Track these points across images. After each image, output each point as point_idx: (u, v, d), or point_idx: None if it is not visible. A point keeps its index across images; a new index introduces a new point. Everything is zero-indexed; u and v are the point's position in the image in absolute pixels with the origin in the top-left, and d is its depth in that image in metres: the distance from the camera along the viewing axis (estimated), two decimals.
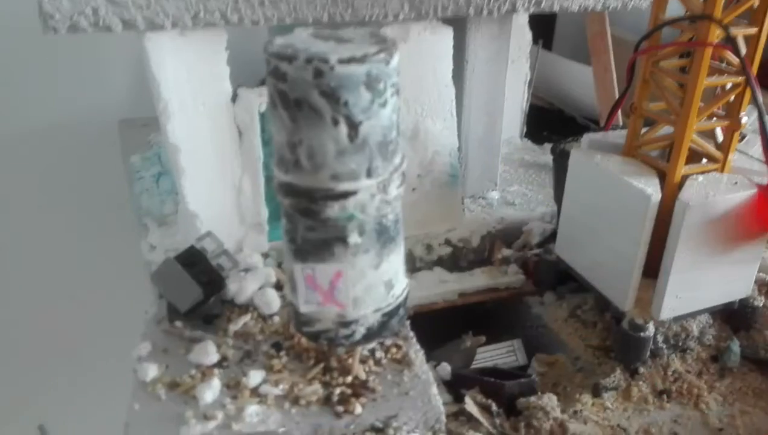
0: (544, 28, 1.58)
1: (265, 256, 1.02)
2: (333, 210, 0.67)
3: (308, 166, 0.65)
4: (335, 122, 0.63)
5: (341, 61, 0.60)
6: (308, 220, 0.68)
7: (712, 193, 0.89)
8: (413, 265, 1.14)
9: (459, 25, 1.09)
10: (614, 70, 1.43)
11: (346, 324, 0.74)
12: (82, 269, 1.66)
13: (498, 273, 1.15)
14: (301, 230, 0.69)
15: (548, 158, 1.44)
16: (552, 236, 1.17)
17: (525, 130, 1.55)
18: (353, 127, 0.63)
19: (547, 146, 1.51)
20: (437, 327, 1.01)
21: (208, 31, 0.89)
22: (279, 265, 1.01)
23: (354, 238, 0.69)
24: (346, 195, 0.66)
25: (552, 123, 1.66)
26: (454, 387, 0.92)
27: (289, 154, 0.66)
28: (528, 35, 1.43)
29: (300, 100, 0.62)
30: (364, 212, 0.68)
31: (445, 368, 0.95)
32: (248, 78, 1.03)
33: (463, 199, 1.23)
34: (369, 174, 0.66)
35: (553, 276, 1.11)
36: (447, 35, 1.05)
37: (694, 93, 0.86)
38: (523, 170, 1.41)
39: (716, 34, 0.84)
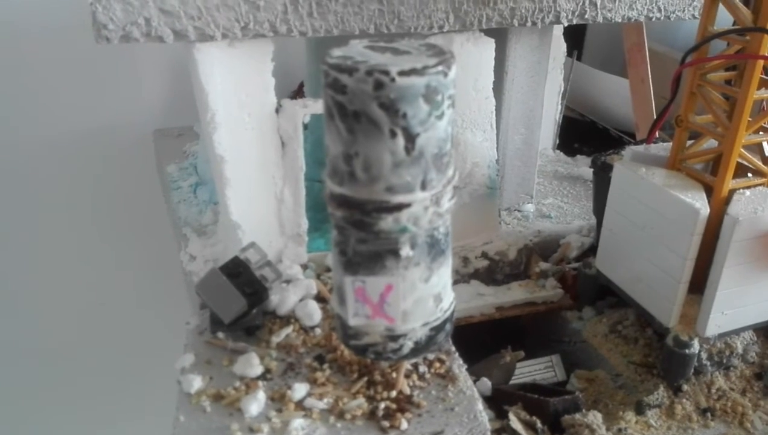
0: (574, 39, 1.57)
1: (305, 267, 1.01)
2: (386, 222, 0.66)
3: (363, 178, 0.64)
4: (393, 134, 0.62)
5: (402, 73, 0.59)
6: (360, 233, 0.67)
7: (761, 208, 0.87)
8: None
9: (500, 36, 1.08)
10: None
11: (394, 338, 0.73)
12: (120, 279, 1.66)
13: (535, 287, 1.13)
14: (352, 242, 0.68)
15: (582, 171, 1.43)
16: (590, 250, 1.16)
17: (557, 142, 1.54)
18: (410, 139, 0.62)
19: (581, 158, 1.50)
20: (474, 341, 1.00)
21: (256, 42, 0.89)
22: (318, 277, 1.00)
23: (406, 251, 0.68)
24: (400, 207, 0.65)
25: (584, 135, 1.65)
26: (495, 403, 0.91)
27: (344, 166, 0.65)
28: (562, 47, 1.43)
29: (358, 111, 0.61)
30: (417, 225, 0.67)
31: (486, 384, 0.94)
32: (281, 90, 1.03)
33: (499, 211, 1.22)
34: (423, 186, 0.66)
35: (593, 290, 1.09)
36: (489, 47, 1.04)
37: (743, 106, 0.85)
38: (557, 183, 1.40)
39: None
